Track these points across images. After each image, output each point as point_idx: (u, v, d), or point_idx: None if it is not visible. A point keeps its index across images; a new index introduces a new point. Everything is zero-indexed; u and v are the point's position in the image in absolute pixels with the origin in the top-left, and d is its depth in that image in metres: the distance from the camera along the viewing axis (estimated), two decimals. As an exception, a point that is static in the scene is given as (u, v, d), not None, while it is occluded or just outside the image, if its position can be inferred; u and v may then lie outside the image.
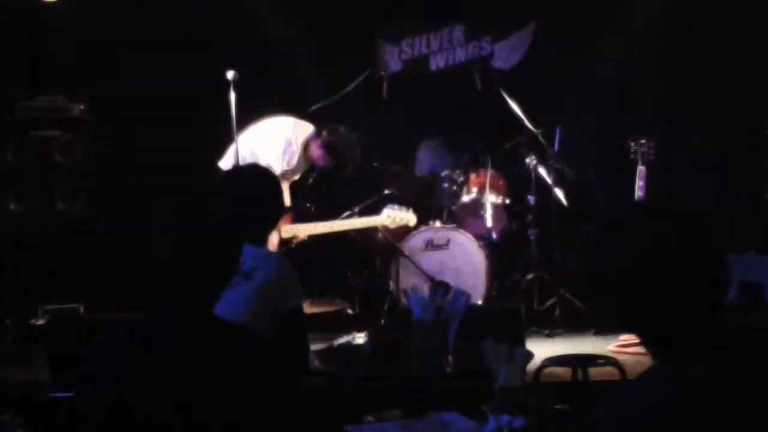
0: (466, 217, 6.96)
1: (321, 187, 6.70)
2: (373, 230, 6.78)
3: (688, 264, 1.70)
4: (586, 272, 1.81)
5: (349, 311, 6.84)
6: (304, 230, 6.18)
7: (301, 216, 6.36)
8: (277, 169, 5.93)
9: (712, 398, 1.64)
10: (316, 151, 6.25)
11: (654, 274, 1.70)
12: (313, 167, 6.48)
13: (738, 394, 1.65)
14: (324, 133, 6.24)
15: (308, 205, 6.63)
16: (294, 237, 6.08)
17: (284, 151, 6.14)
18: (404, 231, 6.79)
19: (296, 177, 6.40)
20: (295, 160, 6.21)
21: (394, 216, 6.45)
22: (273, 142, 6.15)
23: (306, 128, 6.31)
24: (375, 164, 7.03)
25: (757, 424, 1.63)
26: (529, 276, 6.91)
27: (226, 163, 6.17)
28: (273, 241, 5.83)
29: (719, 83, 7.53)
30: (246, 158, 5.94)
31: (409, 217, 6.49)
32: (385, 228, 6.68)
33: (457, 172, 7.05)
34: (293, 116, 6.36)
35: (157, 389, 2.07)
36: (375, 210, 6.74)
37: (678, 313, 1.70)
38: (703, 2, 7.62)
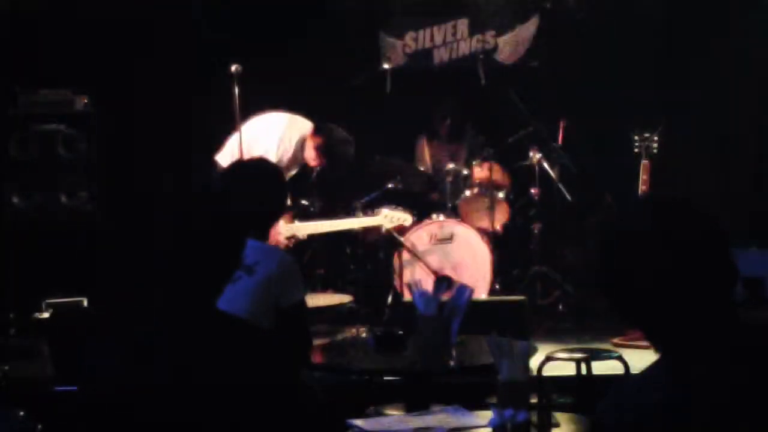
0: (470, 211, 6.95)
1: (323, 182, 6.68)
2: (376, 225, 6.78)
3: (694, 260, 1.70)
4: (592, 268, 1.81)
5: (352, 305, 6.83)
6: (303, 229, 6.12)
7: (302, 214, 6.33)
8: None
9: (716, 395, 1.64)
10: (309, 152, 6.18)
11: (659, 271, 1.69)
12: (306, 165, 6.39)
13: (742, 391, 1.64)
14: (318, 134, 6.19)
15: (307, 203, 6.57)
16: (293, 236, 6.01)
17: (276, 149, 6.04)
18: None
19: (290, 173, 6.24)
20: (286, 159, 6.10)
21: (391, 216, 6.46)
22: (265, 139, 6.07)
23: (302, 127, 6.23)
24: (377, 158, 7.00)
25: (760, 422, 1.63)
26: (533, 270, 6.91)
27: (223, 156, 6.12)
28: (280, 240, 5.79)
29: (723, 79, 7.51)
30: (241, 153, 5.88)
31: (404, 218, 6.49)
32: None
33: (461, 166, 7.04)
34: (291, 113, 6.29)
35: (159, 383, 2.07)
36: (377, 205, 6.74)
37: (683, 309, 1.70)
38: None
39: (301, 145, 6.18)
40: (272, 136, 6.11)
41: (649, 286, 1.70)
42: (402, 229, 6.70)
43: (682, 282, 1.69)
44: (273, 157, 5.91)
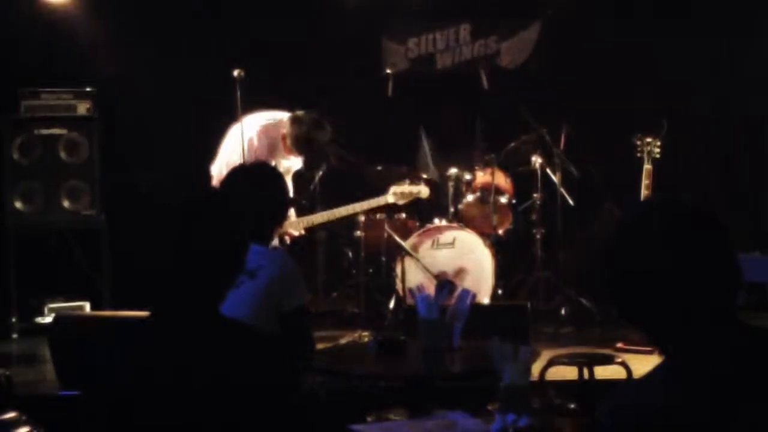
0: (472, 216, 6.95)
1: (325, 188, 6.68)
2: (379, 228, 6.77)
3: (700, 264, 1.70)
4: (598, 271, 1.81)
5: (354, 310, 6.83)
6: (298, 224, 5.87)
7: (300, 213, 6.22)
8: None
9: (716, 398, 1.64)
10: (284, 151, 5.87)
11: (661, 272, 1.70)
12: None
13: (743, 394, 1.64)
14: (288, 129, 5.81)
15: (303, 201, 6.50)
16: (285, 233, 5.73)
17: (240, 155, 5.68)
18: (410, 229, 6.78)
19: (285, 168, 5.90)
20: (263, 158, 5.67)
21: (401, 191, 6.19)
22: (230, 147, 5.83)
23: (248, 128, 5.82)
24: (379, 168, 6.97)
25: (760, 423, 1.63)
26: (535, 275, 6.91)
27: (217, 167, 5.98)
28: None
29: (724, 82, 7.52)
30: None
31: (420, 189, 6.24)
32: (392, 226, 6.66)
33: (463, 170, 7.04)
34: (266, 111, 5.98)
35: (162, 388, 2.07)
36: (379, 211, 6.73)
37: (687, 312, 1.70)
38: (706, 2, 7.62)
39: (263, 143, 5.83)
40: (234, 144, 5.84)
41: (651, 288, 1.70)
42: (405, 233, 6.69)
43: (685, 283, 1.69)
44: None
